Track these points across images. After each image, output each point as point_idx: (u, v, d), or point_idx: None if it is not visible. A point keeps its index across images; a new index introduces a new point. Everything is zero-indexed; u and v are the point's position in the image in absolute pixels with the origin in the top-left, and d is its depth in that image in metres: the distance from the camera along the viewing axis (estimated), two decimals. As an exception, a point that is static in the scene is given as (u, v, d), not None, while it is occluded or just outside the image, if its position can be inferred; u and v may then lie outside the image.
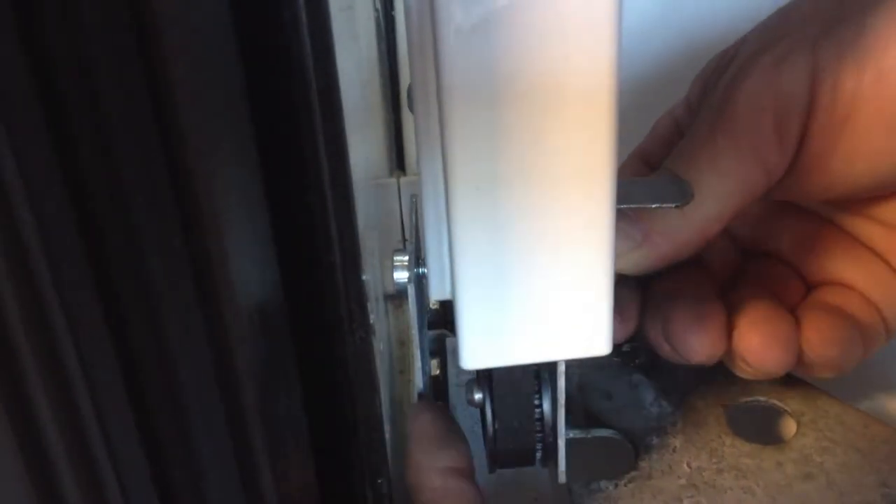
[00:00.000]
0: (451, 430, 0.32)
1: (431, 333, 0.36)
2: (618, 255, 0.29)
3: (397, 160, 0.54)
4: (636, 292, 0.35)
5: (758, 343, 0.32)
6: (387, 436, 0.30)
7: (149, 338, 0.18)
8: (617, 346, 0.27)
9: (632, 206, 0.28)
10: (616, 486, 0.34)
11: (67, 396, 0.17)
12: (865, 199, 0.34)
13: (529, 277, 0.25)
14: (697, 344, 0.32)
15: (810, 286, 0.36)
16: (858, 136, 0.29)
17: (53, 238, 0.16)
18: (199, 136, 0.17)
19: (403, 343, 0.50)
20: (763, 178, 0.30)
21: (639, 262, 0.30)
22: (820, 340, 0.32)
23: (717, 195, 0.30)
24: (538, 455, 0.32)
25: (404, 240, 0.53)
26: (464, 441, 0.32)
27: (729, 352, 0.33)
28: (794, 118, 0.29)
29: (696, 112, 0.35)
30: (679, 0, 0.47)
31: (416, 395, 0.34)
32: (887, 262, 0.35)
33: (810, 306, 0.34)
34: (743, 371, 0.34)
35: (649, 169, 0.37)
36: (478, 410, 0.32)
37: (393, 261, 0.32)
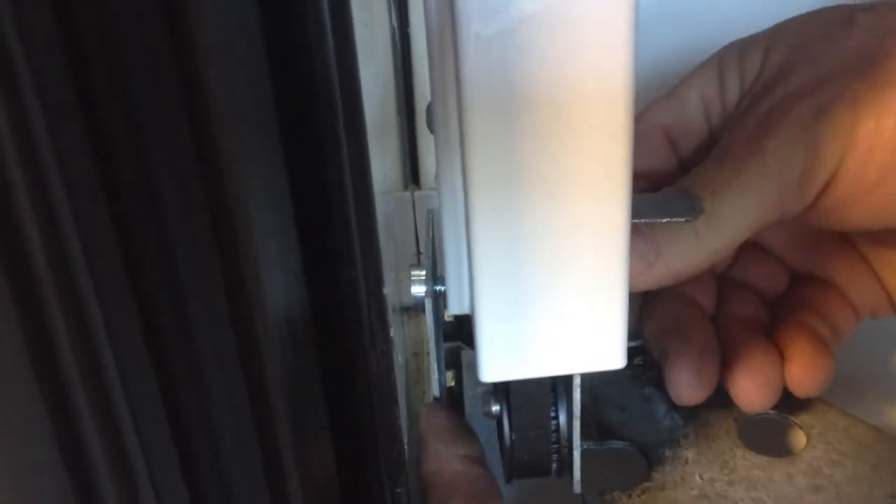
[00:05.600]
0: (465, 426, 0.34)
1: (447, 346, 0.37)
2: (631, 274, 0.30)
3: (412, 174, 0.55)
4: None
5: (750, 388, 0.35)
6: (405, 446, 0.31)
7: (183, 353, 0.18)
8: (629, 359, 0.27)
9: (642, 220, 0.29)
10: (629, 496, 0.35)
11: (108, 410, 0.17)
12: None
13: (547, 292, 0.25)
14: (688, 394, 0.35)
15: (793, 276, 0.39)
16: (884, 198, 0.30)
17: (95, 257, 0.17)
18: (232, 158, 0.17)
19: (417, 355, 0.50)
20: (779, 215, 0.31)
21: (648, 281, 0.31)
22: (805, 378, 0.35)
23: (734, 227, 0.31)
24: (554, 466, 0.32)
25: (419, 253, 0.53)
26: (476, 436, 0.34)
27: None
28: (822, 174, 0.30)
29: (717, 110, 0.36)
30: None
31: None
32: (868, 264, 0.37)
33: (794, 330, 0.36)
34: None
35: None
36: (493, 422, 0.33)
37: (410, 275, 0.33)
